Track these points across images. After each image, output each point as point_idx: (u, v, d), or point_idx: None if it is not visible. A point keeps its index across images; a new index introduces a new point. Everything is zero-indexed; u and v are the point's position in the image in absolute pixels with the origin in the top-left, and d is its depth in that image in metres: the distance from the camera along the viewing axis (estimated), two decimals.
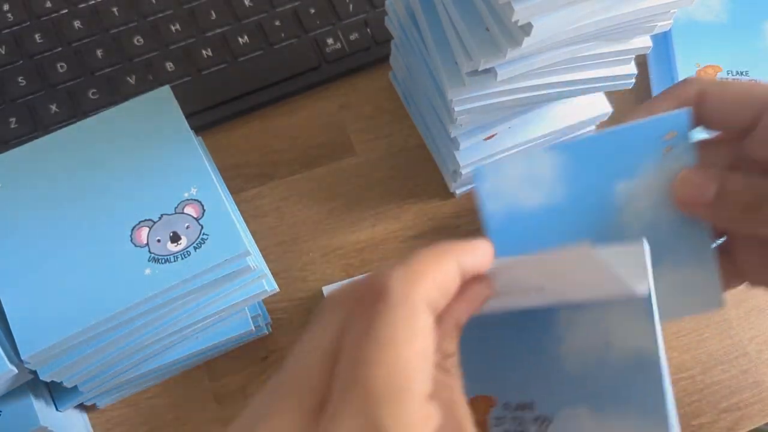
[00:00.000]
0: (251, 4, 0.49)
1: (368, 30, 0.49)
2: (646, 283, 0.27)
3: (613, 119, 0.46)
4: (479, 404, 0.31)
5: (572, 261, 0.26)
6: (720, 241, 0.34)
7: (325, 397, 0.23)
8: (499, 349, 0.31)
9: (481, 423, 0.31)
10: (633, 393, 0.28)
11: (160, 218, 0.35)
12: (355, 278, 0.27)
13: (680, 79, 0.46)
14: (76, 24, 0.48)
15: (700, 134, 0.33)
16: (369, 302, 0.24)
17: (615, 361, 0.29)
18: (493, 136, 0.43)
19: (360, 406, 0.22)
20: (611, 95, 0.45)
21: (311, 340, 0.24)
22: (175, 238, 0.34)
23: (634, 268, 0.27)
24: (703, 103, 0.32)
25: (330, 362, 0.24)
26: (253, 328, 0.40)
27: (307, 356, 0.24)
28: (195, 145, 0.37)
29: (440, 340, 0.24)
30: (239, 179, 0.47)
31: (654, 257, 0.28)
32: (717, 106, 0.32)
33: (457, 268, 0.25)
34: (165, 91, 0.38)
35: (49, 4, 0.49)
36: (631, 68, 0.40)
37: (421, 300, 0.24)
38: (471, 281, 0.26)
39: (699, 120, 0.33)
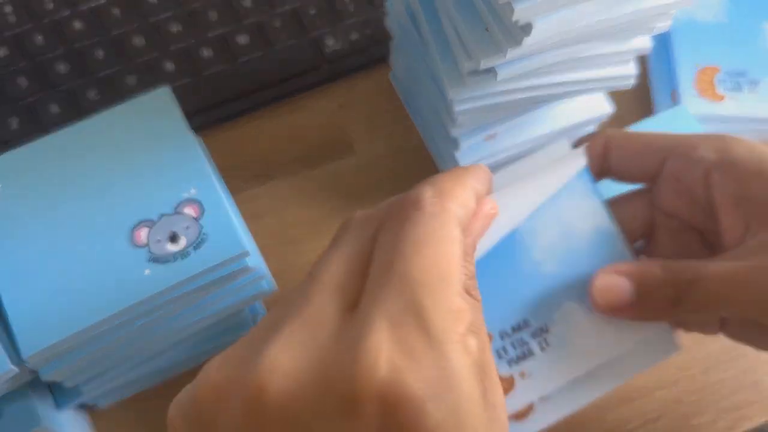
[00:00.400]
0: (251, 5, 0.49)
1: (368, 30, 0.49)
2: (581, 157, 0.31)
3: (614, 119, 0.46)
4: None
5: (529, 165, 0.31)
6: None
7: (357, 297, 0.23)
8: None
9: None
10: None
11: (159, 218, 0.35)
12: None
13: (680, 79, 0.47)
14: (78, 25, 0.48)
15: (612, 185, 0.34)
16: (404, 212, 0.24)
17: (580, 246, 0.31)
18: (493, 136, 0.43)
19: (399, 290, 0.22)
20: (611, 95, 0.45)
21: (339, 249, 0.24)
22: (174, 238, 0.34)
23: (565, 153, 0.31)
24: (608, 155, 0.33)
25: (362, 266, 0.24)
26: None
27: (338, 260, 0.24)
28: (195, 145, 0.37)
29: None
30: (239, 179, 0.47)
31: (580, 290, 0.30)
32: (621, 158, 0.33)
33: (473, 191, 0.26)
34: (165, 91, 0.38)
35: (50, 6, 0.49)
36: (631, 68, 0.40)
37: (454, 214, 0.24)
38: (481, 202, 0.27)
39: (607, 172, 0.33)
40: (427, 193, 0.25)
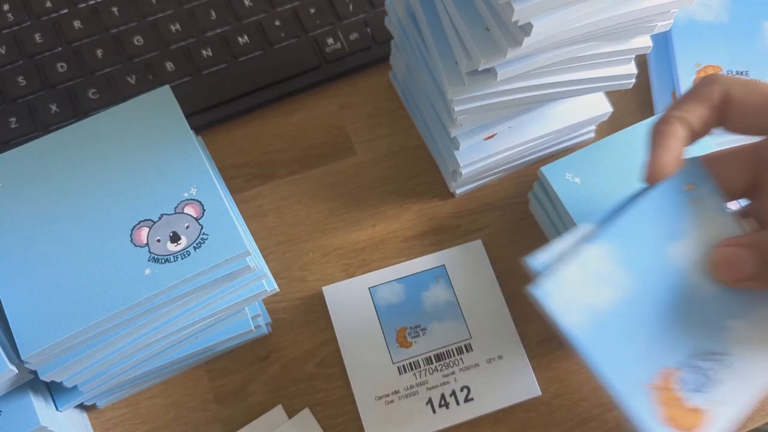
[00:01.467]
0: (251, 4, 0.49)
1: (368, 30, 0.49)
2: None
3: (614, 119, 0.46)
4: (665, 381, 0.31)
5: None
6: None
7: None
8: (645, 316, 0.31)
9: (676, 399, 0.30)
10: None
11: (160, 218, 0.35)
12: None
13: (680, 79, 0.46)
14: (76, 24, 0.48)
15: (720, 137, 0.33)
16: None
17: None
18: (493, 136, 0.43)
19: None
20: (611, 95, 0.45)
21: None
22: (175, 238, 0.34)
23: None
24: (727, 105, 0.32)
25: None
26: (253, 328, 0.40)
27: None
28: (195, 145, 0.37)
29: None
30: (239, 179, 0.47)
31: (739, 304, 0.31)
32: (740, 111, 0.31)
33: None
34: (165, 91, 0.38)
35: (49, 4, 0.49)
36: (631, 68, 0.40)
37: None
38: None
39: (722, 123, 0.32)
40: None
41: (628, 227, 0.32)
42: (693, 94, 0.32)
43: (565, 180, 0.41)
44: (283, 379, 0.42)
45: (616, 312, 0.31)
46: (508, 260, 0.44)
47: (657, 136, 0.32)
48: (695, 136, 0.32)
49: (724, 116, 0.32)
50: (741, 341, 0.31)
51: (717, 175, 0.33)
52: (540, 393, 0.41)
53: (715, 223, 0.32)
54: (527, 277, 0.44)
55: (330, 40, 0.49)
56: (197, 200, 0.35)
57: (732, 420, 0.30)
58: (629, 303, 0.31)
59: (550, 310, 0.30)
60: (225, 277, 0.35)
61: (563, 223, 0.42)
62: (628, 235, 0.31)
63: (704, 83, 0.32)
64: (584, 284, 0.31)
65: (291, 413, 0.41)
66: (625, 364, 0.30)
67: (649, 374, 0.30)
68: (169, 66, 0.48)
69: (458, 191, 0.46)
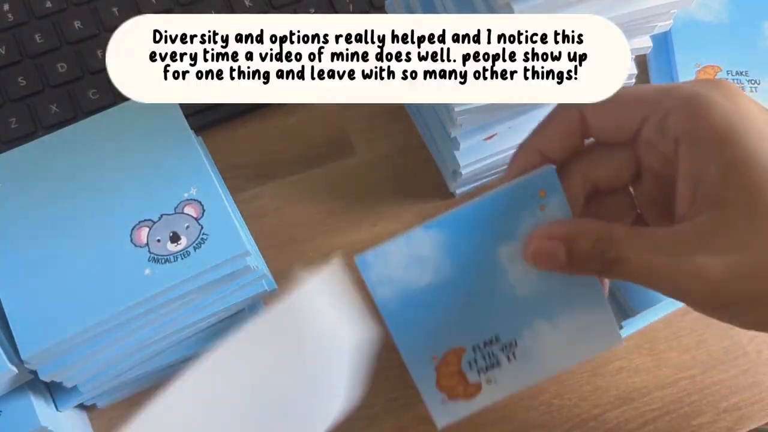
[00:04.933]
0: (251, 5, 0.49)
1: None
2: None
3: None
4: (451, 358, 0.33)
5: None
6: None
7: None
8: (454, 303, 0.32)
9: (456, 373, 0.33)
10: (575, 294, 0.32)
11: (160, 218, 0.35)
12: None
13: (680, 79, 0.46)
14: (77, 24, 0.48)
15: None
16: None
17: (555, 274, 0.32)
18: (493, 136, 0.43)
19: None
20: None
21: None
22: (175, 238, 0.34)
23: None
24: (586, 119, 0.32)
25: None
26: None
27: None
28: (195, 145, 0.37)
29: None
30: (239, 179, 0.47)
31: (548, 308, 0.33)
32: (598, 120, 0.32)
33: None
34: None
35: (49, 4, 0.49)
36: (631, 68, 0.40)
37: None
38: None
39: (590, 134, 0.32)
40: None
41: (463, 219, 0.32)
42: (550, 119, 0.33)
43: None
44: None
45: (426, 294, 0.32)
46: None
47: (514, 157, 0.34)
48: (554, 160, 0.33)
49: (588, 129, 0.32)
50: (538, 339, 0.33)
51: (603, 168, 0.33)
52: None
53: None
54: None
55: None
56: (197, 200, 0.35)
57: (498, 398, 0.33)
58: (441, 289, 0.32)
59: (366, 280, 0.32)
60: (225, 277, 0.35)
61: None
62: (461, 227, 0.32)
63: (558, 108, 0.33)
64: (404, 263, 0.32)
65: None
66: (420, 340, 0.32)
67: (440, 350, 0.32)
68: None
69: (458, 191, 0.46)
